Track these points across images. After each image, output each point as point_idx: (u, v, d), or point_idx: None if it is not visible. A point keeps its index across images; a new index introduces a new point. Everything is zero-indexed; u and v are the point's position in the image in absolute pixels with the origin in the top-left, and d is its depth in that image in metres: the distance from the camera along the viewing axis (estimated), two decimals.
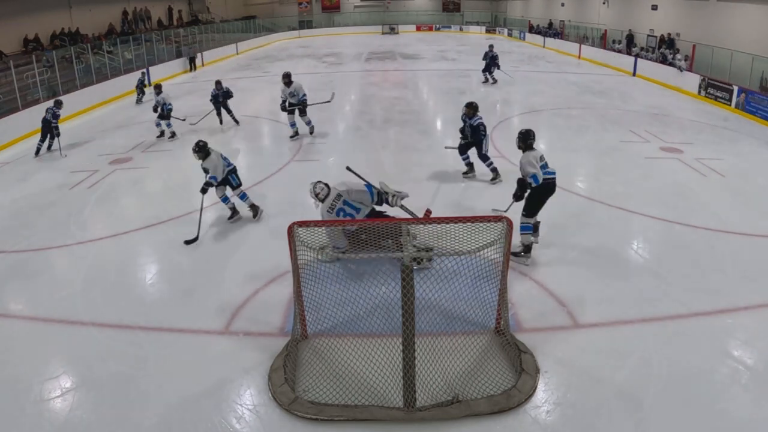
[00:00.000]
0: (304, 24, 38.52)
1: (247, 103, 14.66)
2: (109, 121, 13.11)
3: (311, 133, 10.60)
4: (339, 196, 5.48)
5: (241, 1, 38.30)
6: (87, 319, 4.85)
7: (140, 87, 15.44)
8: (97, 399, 3.90)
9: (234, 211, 6.81)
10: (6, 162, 10.07)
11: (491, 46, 16.65)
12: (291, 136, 10.46)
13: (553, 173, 5.46)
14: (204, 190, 6.45)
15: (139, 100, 15.27)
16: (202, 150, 6.45)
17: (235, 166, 6.76)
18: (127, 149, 10.30)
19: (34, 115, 12.16)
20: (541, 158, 5.48)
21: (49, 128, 10.16)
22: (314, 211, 5.86)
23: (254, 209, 6.84)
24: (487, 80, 16.30)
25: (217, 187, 6.57)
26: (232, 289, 5.23)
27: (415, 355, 3.58)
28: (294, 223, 4.07)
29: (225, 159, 6.66)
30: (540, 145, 10.28)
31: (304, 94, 10.21)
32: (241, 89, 16.71)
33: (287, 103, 10.18)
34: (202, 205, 6.52)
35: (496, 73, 16.33)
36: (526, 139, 5.56)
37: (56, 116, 10.23)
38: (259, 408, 3.77)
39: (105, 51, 17.72)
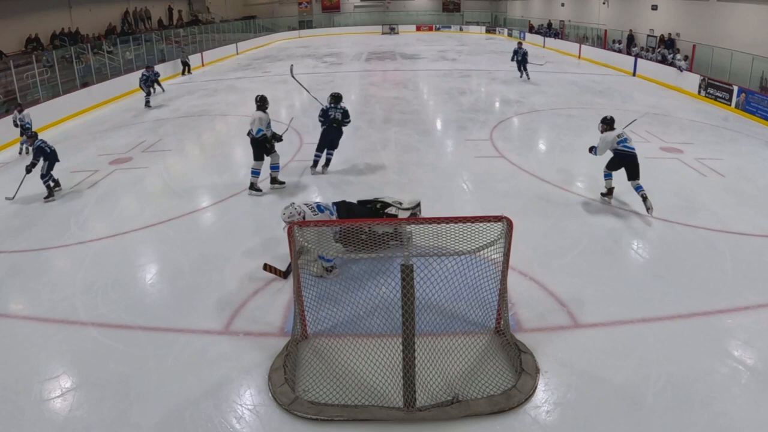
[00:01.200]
0: (304, 24, 38.51)
1: (247, 103, 14.66)
2: (109, 121, 13.10)
3: (278, 182, 7.96)
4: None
5: (241, 1, 38.28)
6: (87, 319, 4.85)
7: (150, 82, 15.83)
8: (97, 399, 3.89)
9: None
10: (6, 162, 10.06)
11: (520, 43, 18.07)
12: (257, 189, 7.73)
13: (630, 148, 6.96)
14: None
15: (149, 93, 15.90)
16: None
17: None
18: (127, 149, 10.30)
19: (34, 115, 12.17)
20: (619, 136, 7.07)
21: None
22: None
23: None
24: (522, 76, 17.14)
25: None
26: (232, 289, 5.23)
27: (415, 355, 3.58)
28: (294, 224, 4.07)
29: None
30: (540, 145, 10.36)
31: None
32: (242, 89, 16.75)
33: (272, 136, 7.64)
34: None
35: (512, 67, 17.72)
36: (606, 123, 7.39)
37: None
38: (259, 408, 3.77)
39: (105, 51, 17.72)
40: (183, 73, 20.22)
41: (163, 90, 16.45)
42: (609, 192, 7.34)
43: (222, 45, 25.80)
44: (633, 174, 6.82)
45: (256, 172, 7.73)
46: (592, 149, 7.44)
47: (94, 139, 11.22)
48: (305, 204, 5.29)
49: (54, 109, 12.92)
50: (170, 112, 13.84)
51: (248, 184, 7.86)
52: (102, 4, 22.72)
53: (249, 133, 7.67)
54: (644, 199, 6.72)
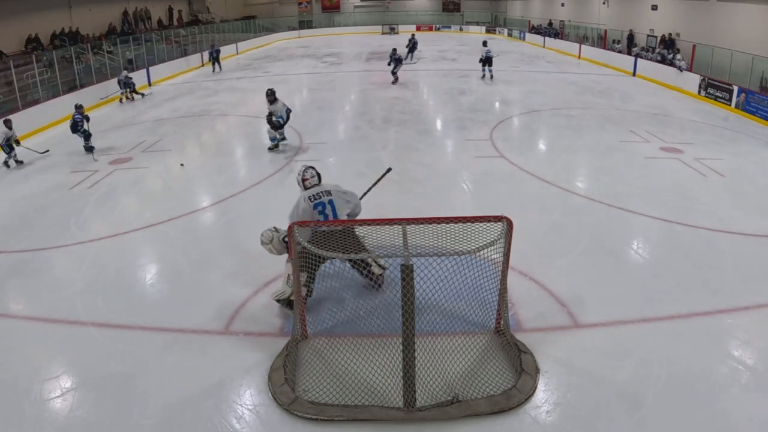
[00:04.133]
0: (304, 24, 38.49)
1: (247, 103, 14.67)
2: (109, 121, 13.10)
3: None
4: (328, 192, 4.74)
5: (241, 1, 38.27)
6: (87, 319, 4.85)
7: (214, 58, 21.28)
8: (97, 399, 3.89)
9: None
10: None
11: (413, 35, 23.04)
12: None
13: (489, 54, 16.74)
14: None
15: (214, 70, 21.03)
16: None
17: None
18: (127, 149, 10.30)
19: (34, 115, 12.20)
20: (488, 51, 16.72)
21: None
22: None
23: None
24: (408, 58, 21.03)
25: None
26: (232, 289, 5.23)
27: (415, 355, 3.58)
28: (294, 223, 4.07)
29: None
30: (540, 145, 10.37)
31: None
32: (242, 89, 16.75)
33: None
34: None
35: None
36: (483, 43, 17.29)
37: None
38: (259, 408, 3.77)
39: (105, 51, 17.72)
40: (214, 65, 21.91)
41: (221, 69, 21.19)
42: (483, 76, 16.70)
43: (222, 45, 25.76)
44: (489, 63, 16.54)
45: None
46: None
47: (94, 139, 11.19)
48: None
49: (54, 109, 12.92)
50: (170, 112, 13.84)
51: (248, 182, 8.00)
52: (102, 4, 22.72)
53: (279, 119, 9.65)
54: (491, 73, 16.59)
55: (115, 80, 15.60)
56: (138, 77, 17.41)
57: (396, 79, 16.72)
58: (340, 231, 4.48)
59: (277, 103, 9.61)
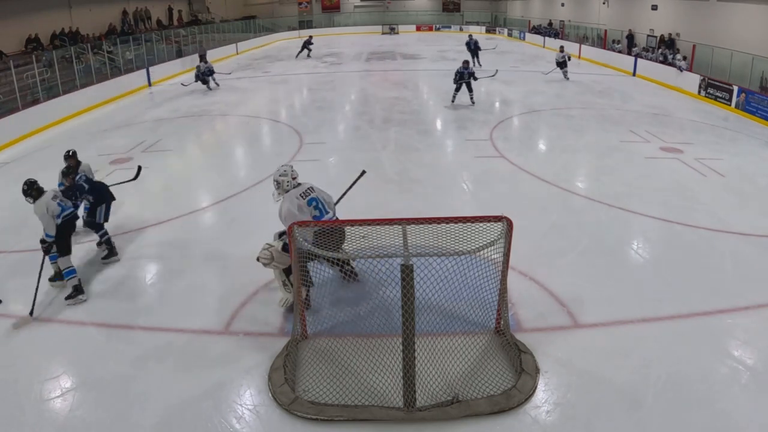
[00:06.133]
0: (304, 24, 38.47)
1: (247, 103, 14.68)
2: (109, 121, 13.09)
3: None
4: (312, 188, 4.85)
5: (241, 1, 38.26)
6: (87, 319, 4.85)
7: (306, 46, 23.82)
8: (97, 399, 3.89)
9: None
10: (6, 162, 10.06)
11: (470, 35, 21.28)
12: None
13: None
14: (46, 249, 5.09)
15: (305, 55, 23.89)
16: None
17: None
18: (127, 149, 10.29)
19: (34, 116, 12.19)
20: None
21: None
22: None
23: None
24: (478, 65, 19.26)
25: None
26: (232, 289, 5.23)
27: (415, 355, 3.58)
28: (294, 223, 4.07)
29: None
30: (540, 145, 10.38)
31: None
32: (242, 89, 16.75)
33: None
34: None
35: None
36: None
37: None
38: (259, 408, 3.77)
39: (105, 51, 17.72)
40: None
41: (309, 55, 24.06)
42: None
43: (222, 45, 25.78)
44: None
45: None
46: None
47: (94, 139, 11.20)
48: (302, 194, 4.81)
49: (54, 109, 12.92)
50: (170, 112, 13.83)
51: (248, 182, 7.85)
52: (102, 4, 22.70)
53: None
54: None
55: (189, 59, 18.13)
56: (137, 78, 17.42)
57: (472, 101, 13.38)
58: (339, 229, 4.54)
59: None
